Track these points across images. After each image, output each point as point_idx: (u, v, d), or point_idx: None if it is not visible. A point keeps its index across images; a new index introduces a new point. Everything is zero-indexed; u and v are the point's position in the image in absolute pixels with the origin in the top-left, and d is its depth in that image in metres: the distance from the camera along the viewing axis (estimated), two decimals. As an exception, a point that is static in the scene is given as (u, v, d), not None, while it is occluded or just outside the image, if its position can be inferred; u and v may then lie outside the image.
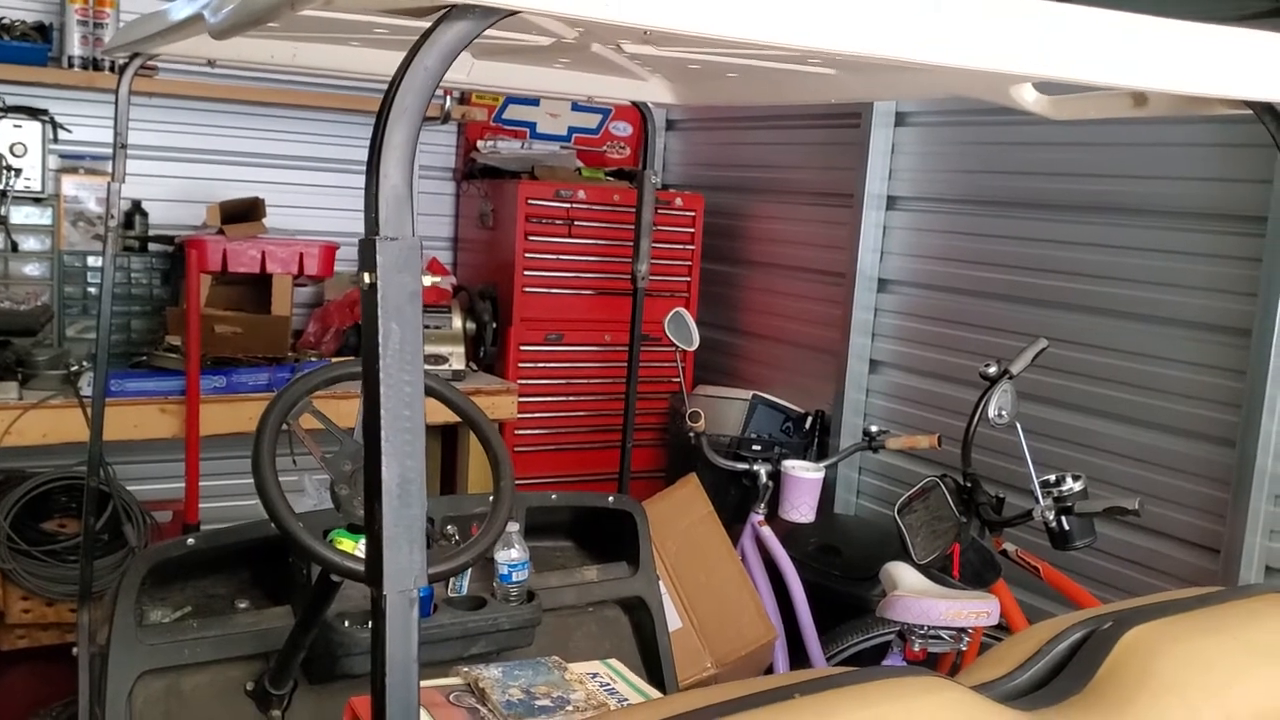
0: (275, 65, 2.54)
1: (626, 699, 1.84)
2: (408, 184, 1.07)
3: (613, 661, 1.93)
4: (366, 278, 1.06)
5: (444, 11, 1.08)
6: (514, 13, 1.08)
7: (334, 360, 4.27)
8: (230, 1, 1.40)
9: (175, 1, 2.04)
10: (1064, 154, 3.82)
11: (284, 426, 2.19)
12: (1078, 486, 3.07)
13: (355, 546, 2.09)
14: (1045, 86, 2.13)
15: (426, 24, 1.12)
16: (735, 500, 4.08)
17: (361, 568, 1.99)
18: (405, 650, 1.08)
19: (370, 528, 1.08)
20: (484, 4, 1.06)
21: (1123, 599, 3.43)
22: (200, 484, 3.96)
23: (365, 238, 1.06)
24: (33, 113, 4.34)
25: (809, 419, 4.75)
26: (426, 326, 2.47)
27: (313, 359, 4.31)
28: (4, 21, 4.26)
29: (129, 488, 4.07)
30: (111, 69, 4.34)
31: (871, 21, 1.28)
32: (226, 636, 2.57)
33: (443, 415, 2.83)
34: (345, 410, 2.59)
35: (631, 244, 3.28)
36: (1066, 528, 3.05)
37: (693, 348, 3.69)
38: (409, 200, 1.07)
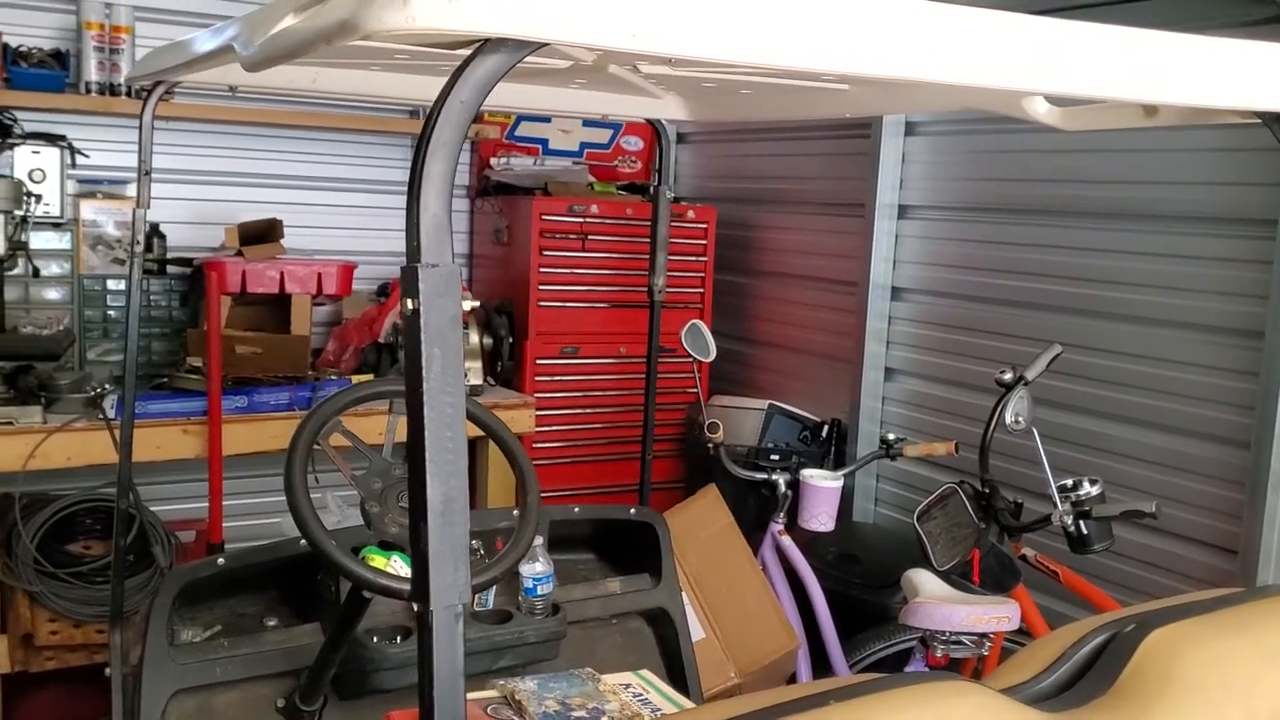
0: (296, 90, 2.59)
1: (660, 709, 1.88)
2: (447, 212, 1.11)
3: (645, 672, 1.96)
4: (409, 303, 1.09)
5: (478, 45, 1.11)
6: (545, 44, 1.12)
7: (354, 378, 4.31)
8: (262, 34, 1.43)
9: (199, 32, 2.08)
10: (1074, 160, 3.85)
11: (314, 445, 2.23)
12: (1095, 491, 3.09)
13: (387, 563, 2.12)
14: (1056, 98, 2.17)
15: (456, 54, 1.16)
16: (754, 510, 4.10)
17: (399, 585, 2.04)
18: (452, 665, 1.11)
19: (415, 546, 1.11)
20: (517, 37, 1.09)
21: (1142, 601, 3.45)
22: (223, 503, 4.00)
23: (407, 265, 1.10)
24: (51, 139, 4.38)
25: (825, 428, 4.77)
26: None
27: (332, 377, 4.34)
28: (21, 49, 4.31)
29: (151, 508, 4.11)
30: (128, 94, 4.39)
31: (885, 43, 1.32)
32: (257, 654, 2.60)
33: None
34: (366, 427, 2.61)
35: (645, 256, 3.32)
36: (1085, 532, 3.07)
37: (710, 359, 3.72)
38: (448, 228, 1.11)
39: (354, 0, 1.10)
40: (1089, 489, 3.09)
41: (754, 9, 1.20)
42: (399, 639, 2.60)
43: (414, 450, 1.10)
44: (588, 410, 5.10)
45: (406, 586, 2.07)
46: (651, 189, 3.28)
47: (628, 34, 1.12)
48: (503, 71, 1.11)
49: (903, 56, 1.34)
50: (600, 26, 1.11)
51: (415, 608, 1.14)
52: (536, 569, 2.78)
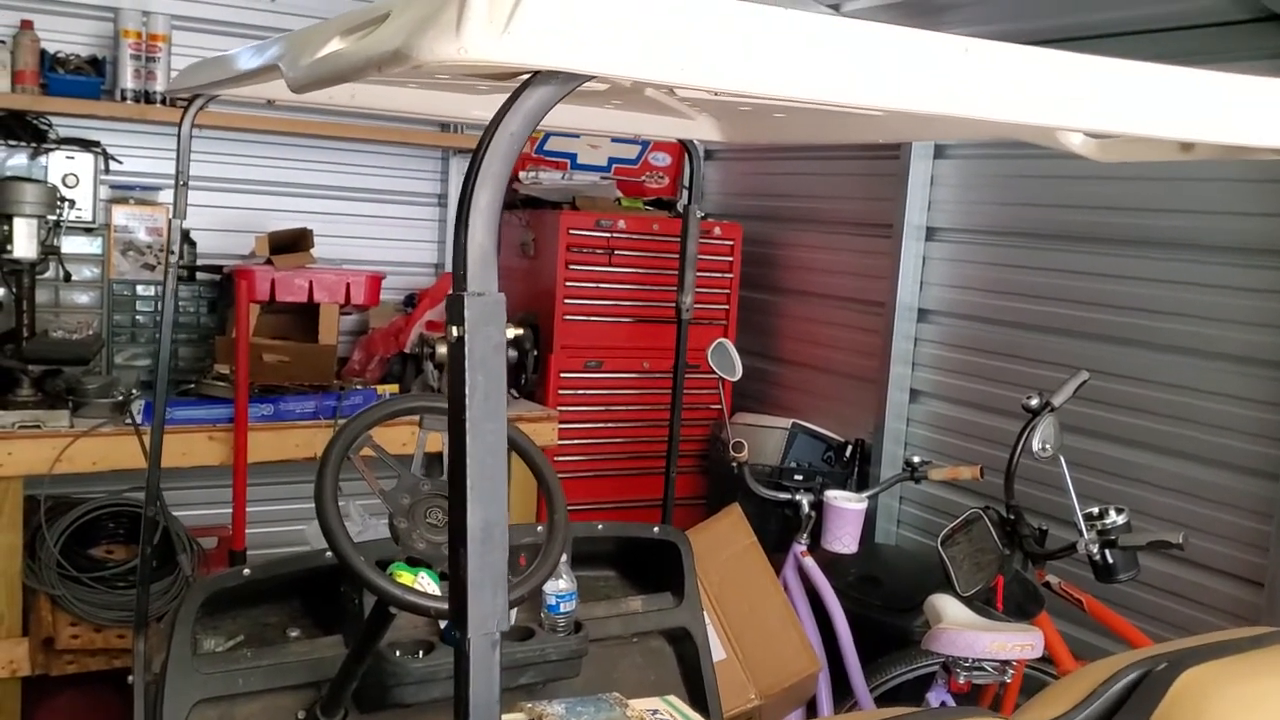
0: (334, 105, 2.60)
1: (686, 735, 1.88)
2: (493, 243, 1.11)
3: (672, 698, 1.96)
4: (454, 331, 1.10)
5: (528, 77, 1.12)
6: (594, 77, 1.13)
7: (380, 388, 4.33)
8: (309, 56, 1.44)
9: (240, 49, 2.10)
10: (1103, 188, 3.84)
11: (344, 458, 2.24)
12: (1121, 519, 3.07)
13: (414, 580, 2.13)
14: (1092, 131, 2.16)
15: (506, 85, 1.16)
16: (776, 529, 4.08)
17: (429, 604, 2.05)
18: (488, 691, 1.11)
19: (454, 572, 1.12)
20: (567, 69, 1.10)
21: (1166, 632, 3.42)
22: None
23: (453, 293, 1.11)
24: (85, 144, 4.43)
25: (849, 448, 4.76)
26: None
27: (358, 387, 4.36)
28: (59, 55, 4.35)
29: (174, 513, 4.12)
30: (163, 102, 4.42)
31: (925, 79, 1.32)
32: (279, 665, 2.61)
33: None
34: (389, 437, 2.62)
35: (671, 272, 3.31)
36: (1110, 561, 3.05)
37: (736, 378, 3.71)
38: (494, 258, 1.11)
39: (405, 29, 1.11)
40: (1115, 518, 3.07)
41: (799, 47, 1.21)
42: (421, 653, 2.60)
43: (455, 476, 1.10)
44: (610, 425, 5.11)
45: (434, 604, 2.08)
46: (681, 206, 3.28)
47: (676, 68, 1.13)
48: (552, 103, 1.12)
49: (942, 92, 1.34)
50: (648, 60, 1.11)
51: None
52: (560, 586, 2.77)
